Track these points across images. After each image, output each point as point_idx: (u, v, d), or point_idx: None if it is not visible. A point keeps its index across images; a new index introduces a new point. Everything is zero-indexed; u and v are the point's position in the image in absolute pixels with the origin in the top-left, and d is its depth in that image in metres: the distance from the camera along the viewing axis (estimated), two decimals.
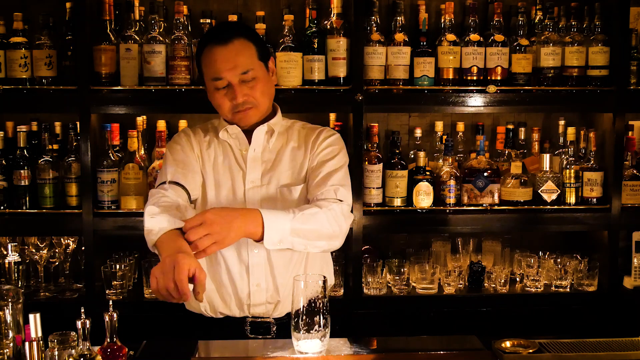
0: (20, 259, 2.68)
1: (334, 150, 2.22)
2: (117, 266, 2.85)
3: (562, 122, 3.13)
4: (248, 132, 2.19)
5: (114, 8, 2.86)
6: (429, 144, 3.20)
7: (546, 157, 2.99)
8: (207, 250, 1.88)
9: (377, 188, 2.96)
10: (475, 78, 2.94)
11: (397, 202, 2.97)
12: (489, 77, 2.96)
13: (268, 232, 1.94)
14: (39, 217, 2.88)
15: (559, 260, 3.04)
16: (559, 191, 2.99)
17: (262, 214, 1.95)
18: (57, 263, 2.98)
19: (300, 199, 2.18)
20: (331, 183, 2.14)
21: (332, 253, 2.99)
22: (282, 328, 2.16)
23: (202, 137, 2.25)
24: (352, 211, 2.82)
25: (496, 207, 2.99)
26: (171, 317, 2.30)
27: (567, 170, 3.01)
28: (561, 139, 3.13)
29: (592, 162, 3.01)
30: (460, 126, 3.15)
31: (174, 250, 1.84)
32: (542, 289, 2.99)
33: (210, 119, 2.34)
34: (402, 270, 2.96)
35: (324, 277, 1.87)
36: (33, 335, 1.64)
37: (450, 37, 2.94)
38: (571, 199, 3.01)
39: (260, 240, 1.96)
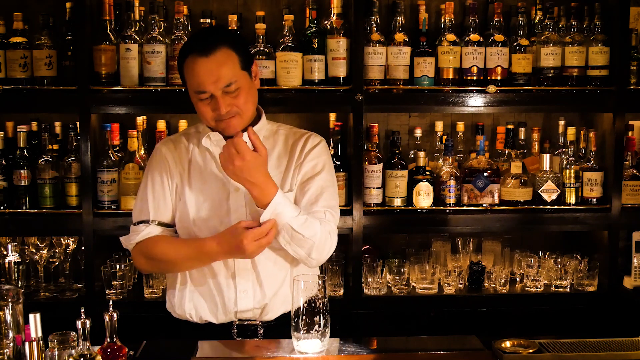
0: (20, 259, 2.67)
1: (319, 163, 2.20)
2: (117, 266, 2.86)
3: (562, 122, 3.13)
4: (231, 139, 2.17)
5: (114, 8, 2.86)
6: (429, 144, 3.20)
7: (546, 157, 2.99)
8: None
9: (377, 188, 2.96)
10: (475, 78, 2.94)
11: (397, 202, 2.97)
12: (489, 77, 2.96)
13: (269, 210, 2.00)
14: (39, 217, 2.88)
15: (559, 260, 3.04)
16: (559, 191, 2.99)
17: (277, 194, 2.01)
18: (57, 263, 2.98)
19: None
20: (322, 204, 2.14)
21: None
22: (270, 330, 2.17)
23: (186, 145, 2.23)
24: (351, 214, 2.85)
25: (496, 207, 2.99)
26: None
27: (567, 170, 3.01)
28: (561, 139, 3.13)
29: (592, 162, 3.01)
30: (460, 126, 3.15)
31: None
32: (542, 289, 2.99)
33: None
34: (402, 270, 2.96)
35: (324, 276, 1.88)
36: (33, 335, 1.64)
37: (450, 37, 2.94)
38: (571, 199, 3.01)
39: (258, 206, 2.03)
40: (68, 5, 2.85)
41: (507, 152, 3.12)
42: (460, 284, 3.00)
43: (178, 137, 2.28)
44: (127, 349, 1.76)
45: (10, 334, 1.74)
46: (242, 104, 2.07)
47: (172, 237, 2.19)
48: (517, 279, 3.05)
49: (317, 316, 1.82)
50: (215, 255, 2.08)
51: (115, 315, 1.71)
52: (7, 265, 2.47)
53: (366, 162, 2.95)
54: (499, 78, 2.95)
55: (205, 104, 2.07)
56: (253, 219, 2.07)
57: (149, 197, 2.19)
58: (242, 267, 2.14)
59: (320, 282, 1.84)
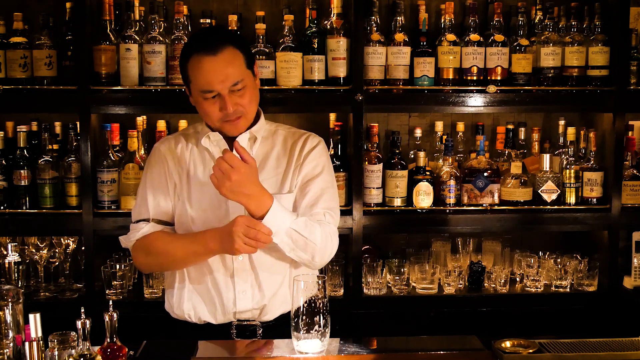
0: (20, 259, 2.67)
1: (319, 164, 2.19)
2: (117, 266, 2.86)
3: (562, 122, 3.13)
4: (230, 139, 2.14)
5: (114, 8, 2.86)
6: (429, 144, 3.20)
7: (546, 157, 2.99)
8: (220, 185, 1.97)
9: (377, 188, 2.96)
10: (475, 78, 2.94)
11: (397, 202, 2.97)
12: (489, 77, 2.96)
13: (268, 220, 1.98)
14: (39, 217, 2.88)
15: (559, 260, 3.04)
16: (559, 191, 2.99)
17: (273, 202, 1.99)
18: (57, 263, 2.98)
19: None
20: (322, 206, 2.14)
21: None
22: (269, 331, 2.16)
23: (185, 145, 2.22)
24: (352, 215, 2.85)
25: (496, 207, 2.99)
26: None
27: (567, 170, 3.01)
28: (561, 139, 3.13)
29: (592, 162, 3.01)
30: (460, 126, 3.15)
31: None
32: (542, 289, 2.99)
33: None
34: (402, 270, 2.96)
35: (324, 277, 1.88)
36: (33, 335, 1.64)
37: (450, 37, 2.94)
38: (571, 199, 3.01)
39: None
40: (68, 5, 2.85)
41: (507, 152, 3.12)
42: (460, 284, 3.00)
43: (177, 137, 2.27)
44: (127, 349, 1.76)
45: (10, 334, 1.74)
46: (246, 103, 2.07)
47: (172, 232, 2.19)
48: (517, 279, 3.05)
49: (317, 316, 1.82)
50: (209, 239, 2.04)
51: (115, 315, 1.71)
52: (7, 265, 2.47)
53: (366, 162, 2.95)
54: (499, 78, 2.95)
55: (211, 103, 2.05)
56: None
57: (149, 196, 2.19)
58: (240, 268, 2.13)
59: (320, 282, 1.84)
